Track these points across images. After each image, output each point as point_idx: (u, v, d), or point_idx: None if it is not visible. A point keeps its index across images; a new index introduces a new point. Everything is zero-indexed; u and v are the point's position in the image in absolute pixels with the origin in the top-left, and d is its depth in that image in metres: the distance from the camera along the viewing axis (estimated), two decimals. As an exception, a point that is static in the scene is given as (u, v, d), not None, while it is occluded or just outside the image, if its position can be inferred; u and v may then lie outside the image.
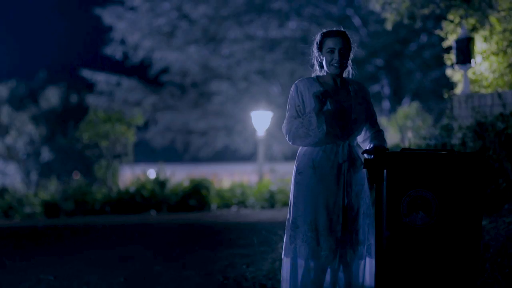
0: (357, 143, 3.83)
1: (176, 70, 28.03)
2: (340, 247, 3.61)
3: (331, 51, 3.68)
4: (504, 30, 7.32)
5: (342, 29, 3.75)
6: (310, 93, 3.68)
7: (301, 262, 3.65)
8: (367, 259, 3.70)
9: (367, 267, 3.71)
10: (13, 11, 45.25)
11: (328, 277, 3.66)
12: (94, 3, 33.57)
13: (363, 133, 3.81)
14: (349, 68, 3.83)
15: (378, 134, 3.80)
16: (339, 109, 3.66)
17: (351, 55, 3.79)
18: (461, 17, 7.79)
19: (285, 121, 3.75)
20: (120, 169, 17.16)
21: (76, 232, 9.34)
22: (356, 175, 3.68)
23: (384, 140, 3.78)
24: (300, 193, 3.67)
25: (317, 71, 3.82)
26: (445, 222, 3.42)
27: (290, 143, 3.73)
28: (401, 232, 3.42)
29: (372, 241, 3.67)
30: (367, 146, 3.79)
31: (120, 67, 29.42)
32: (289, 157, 26.94)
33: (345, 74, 3.82)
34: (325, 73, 3.77)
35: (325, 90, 3.62)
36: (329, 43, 3.69)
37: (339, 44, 3.67)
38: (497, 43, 7.40)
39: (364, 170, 3.70)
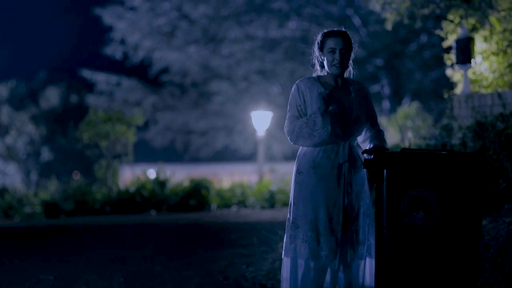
0: (357, 143, 3.83)
1: (176, 70, 28.02)
2: (340, 247, 3.61)
3: (332, 51, 3.68)
4: (504, 30, 7.32)
5: (343, 29, 3.76)
6: (312, 93, 3.69)
7: (301, 262, 3.65)
8: (367, 259, 3.70)
9: (367, 267, 3.71)
10: (13, 11, 45.27)
11: (328, 277, 3.67)
12: (94, 3, 33.60)
13: (363, 133, 3.81)
14: (350, 68, 3.83)
15: (378, 134, 3.80)
16: (340, 109, 3.67)
17: (352, 55, 3.79)
18: (461, 17, 7.78)
19: (286, 121, 3.75)
20: (120, 169, 17.17)
21: (76, 232, 9.34)
22: (356, 175, 3.68)
23: (384, 140, 3.79)
24: (301, 193, 3.67)
25: (318, 71, 3.83)
26: (445, 222, 3.42)
27: (292, 143, 3.73)
28: (401, 232, 3.42)
29: (372, 241, 3.67)
30: (367, 146, 3.80)
31: (120, 67, 29.44)
32: (289, 157, 26.94)
33: (346, 74, 3.82)
34: (326, 73, 3.77)
35: (330, 91, 3.62)
36: (330, 43, 3.69)
37: (340, 44, 3.68)
38: (497, 43, 7.39)
39: (364, 170, 3.71)
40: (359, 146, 3.86)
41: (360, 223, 3.67)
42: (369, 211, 3.71)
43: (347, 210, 3.64)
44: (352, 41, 3.76)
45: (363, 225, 3.68)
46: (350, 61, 3.80)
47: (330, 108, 3.64)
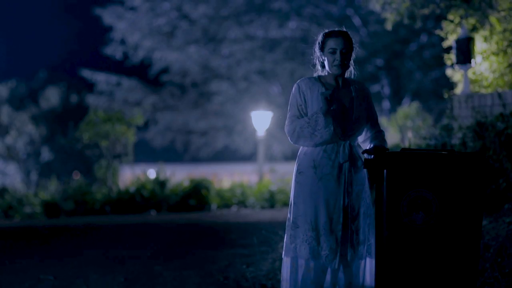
0: (357, 143, 3.83)
1: (176, 70, 28.02)
2: (340, 247, 3.61)
3: (333, 51, 3.69)
4: (504, 30, 7.32)
5: (344, 30, 3.76)
6: (313, 93, 3.69)
7: (301, 262, 3.65)
8: (367, 259, 3.70)
9: (367, 267, 3.71)
10: (13, 11, 45.27)
11: (328, 277, 3.66)
12: (94, 3, 33.58)
13: (363, 133, 3.81)
14: (351, 68, 3.84)
15: (378, 135, 3.80)
16: (341, 109, 3.67)
17: (353, 55, 3.80)
18: (461, 17, 7.78)
19: (287, 121, 3.76)
20: (120, 169, 17.16)
21: (76, 232, 9.34)
22: (357, 175, 3.69)
23: (384, 141, 3.79)
24: (301, 192, 3.67)
25: (319, 71, 3.83)
26: (445, 222, 3.42)
27: (293, 142, 3.74)
28: (401, 232, 3.42)
29: (372, 241, 3.67)
30: (367, 146, 3.80)
31: (120, 67, 29.43)
32: (289, 157, 26.93)
33: (347, 74, 3.83)
34: (326, 73, 3.78)
35: (332, 91, 3.63)
36: (331, 43, 3.69)
37: (341, 45, 3.68)
38: (497, 43, 7.39)
39: (365, 170, 3.71)
40: (360, 146, 3.86)
41: (361, 223, 3.67)
42: (370, 211, 3.71)
43: (347, 209, 3.64)
44: (353, 41, 3.76)
45: (363, 225, 3.68)
46: (351, 61, 3.81)
47: (332, 108, 3.64)
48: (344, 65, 3.70)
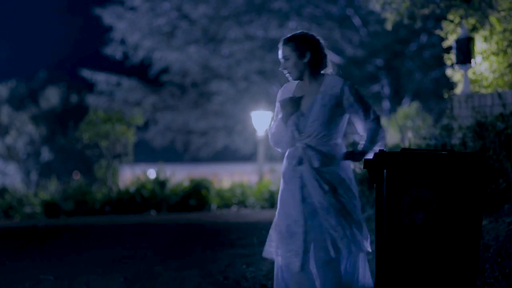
0: (334, 142, 3.73)
1: (176, 70, 28.01)
2: (305, 247, 3.62)
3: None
4: (504, 30, 7.32)
5: (290, 35, 3.79)
6: (281, 100, 3.80)
7: (278, 263, 3.77)
8: (360, 255, 3.70)
9: (361, 264, 3.72)
10: (13, 11, 45.28)
11: (308, 277, 3.67)
12: (94, 3, 33.59)
13: (360, 124, 3.74)
14: (329, 66, 3.81)
15: (372, 128, 3.71)
16: (298, 113, 3.71)
17: (307, 55, 3.71)
18: (461, 17, 7.79)
19: (270, 127, 3.92)
20: (120, 169, 17.17)
21: (76, 232, 9.34)
22: (327, 174, 3.65)
23: (376, 135, 3.68)
24: (279, 196, 3.83)
25: None
26: (445, 222, 3.42)
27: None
28: (401, 232, 3.42)
29: (359, 237, 3.63)
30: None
31: (120, 67, 29.43)
32: (289, 157, 26.87)
33: (329, 71, 3.80)
34: None
35: (289, 98, 3.71)
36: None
37: (281, 54, 3.78)
38: (497, 43, 7.40)
39: (339, 168, 3.69)
40: (337, 145, 3.78)
41: (336, 221, 3.58)
42: (350, 207, 3.64)
43: (316, 211, 3.62)
44: (299, 42, 3.72)
45: (342, 222, 3.59)
46: (326, 60, 3.78)
47: (291, 113, 3.70)
48: (289, 72, 3.74)
